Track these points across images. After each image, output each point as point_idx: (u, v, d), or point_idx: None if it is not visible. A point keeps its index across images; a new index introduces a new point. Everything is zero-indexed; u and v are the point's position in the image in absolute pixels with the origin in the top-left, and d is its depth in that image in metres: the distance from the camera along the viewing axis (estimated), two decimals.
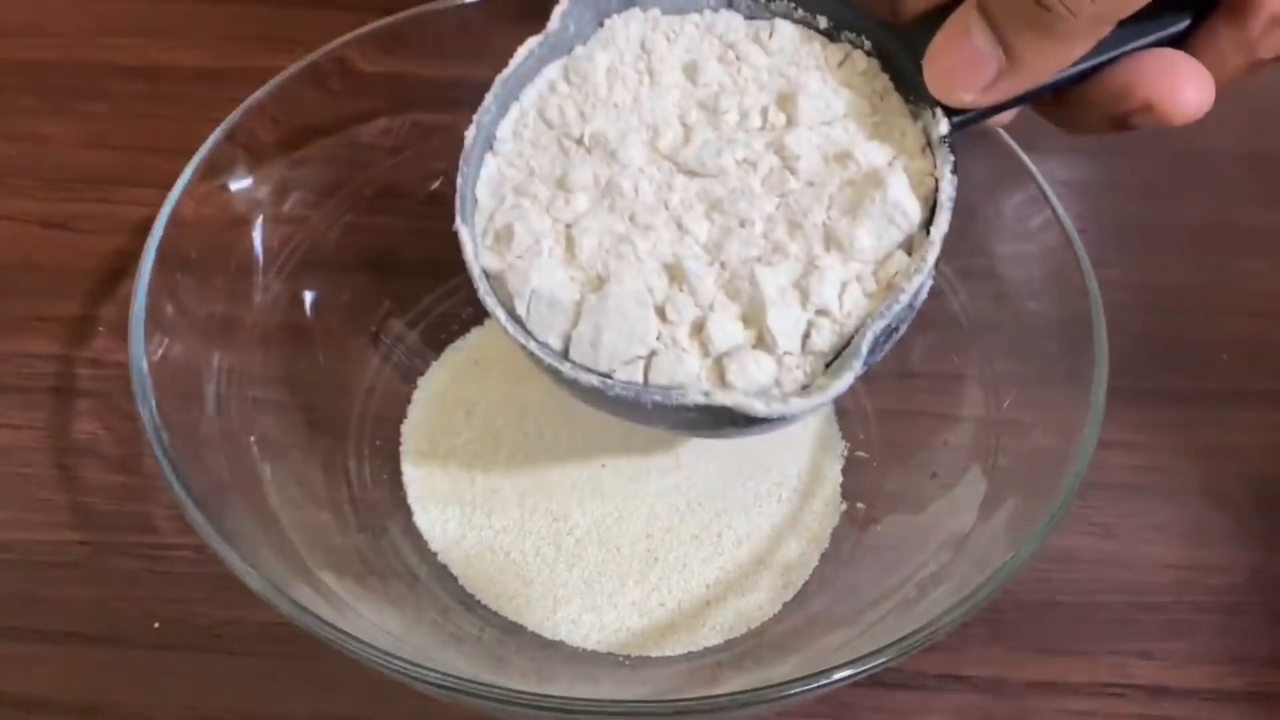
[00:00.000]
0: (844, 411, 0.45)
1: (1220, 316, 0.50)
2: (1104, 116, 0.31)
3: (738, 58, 0.34)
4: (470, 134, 0.33)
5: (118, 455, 0.44)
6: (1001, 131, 0.40)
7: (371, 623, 0.35)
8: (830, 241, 0.31)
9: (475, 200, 0.34)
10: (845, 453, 0.45)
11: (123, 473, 0.44)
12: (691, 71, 0.34)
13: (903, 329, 0.32)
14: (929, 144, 0.32)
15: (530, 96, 0.34)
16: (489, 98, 0.34)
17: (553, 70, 0.34)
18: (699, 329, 0.31)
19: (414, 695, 0.34)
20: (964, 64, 0.30)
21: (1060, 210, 0.39)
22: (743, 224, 0.32)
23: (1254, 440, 0.46)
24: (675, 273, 0.32)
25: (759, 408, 0.30)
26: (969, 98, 0.30)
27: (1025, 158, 0.40)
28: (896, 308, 0.30)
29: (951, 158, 0.31)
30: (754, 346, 0.31)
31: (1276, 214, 0.54)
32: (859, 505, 0.43)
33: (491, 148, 0.34)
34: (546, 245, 0.32)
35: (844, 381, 0.30)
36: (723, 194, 0.32)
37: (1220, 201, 0.54)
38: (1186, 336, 0.49)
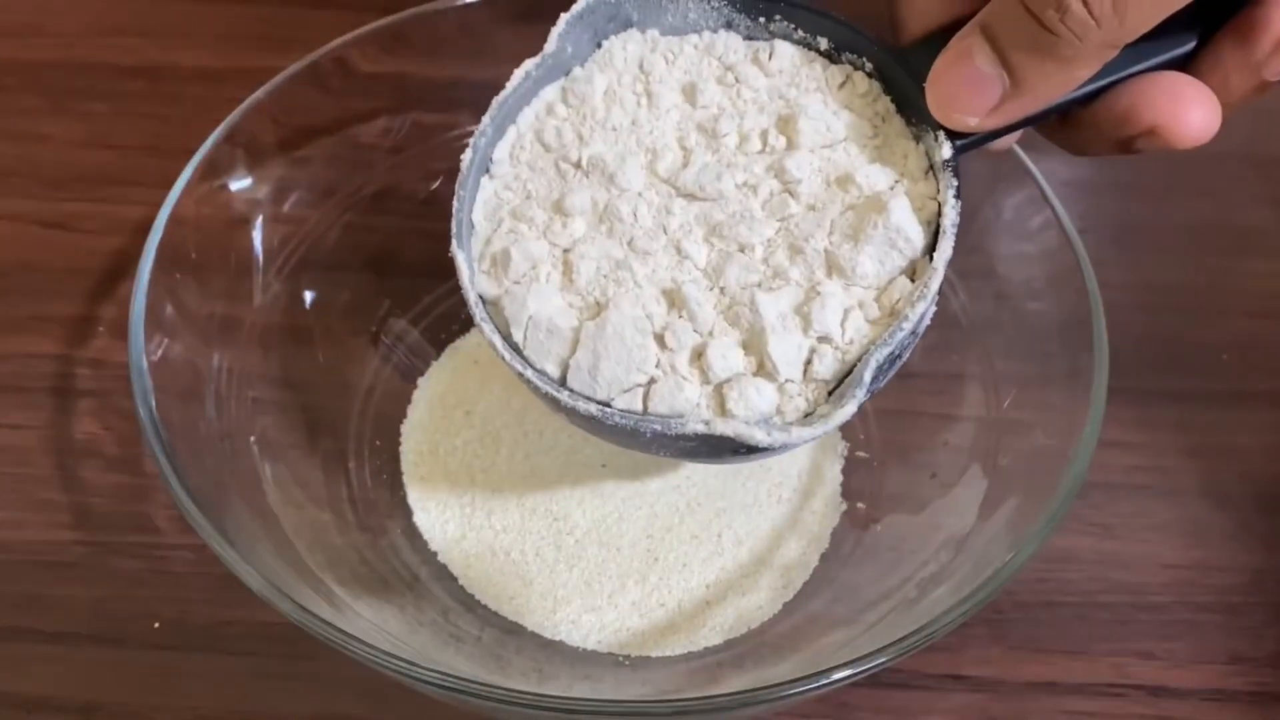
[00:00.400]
0: None
1: (1220, 316, 0.50)
2: (1109, 140, 0.31)
3: (737, 79, 0.33)
4: (466, 157, 0.33)
5: (118, 455, 0.44)
6: None
7: (371, 623, 0.35)
8: (832, 267, 0.31)
9: (472, 225, 0.33)
10: (845, 453, 0.45)
11: (123, 473, 0.44)
12: (690, 93, 0.33)
13: (906, 355, 0.31)
14: (932, 167, 0.32)
15: (527, 119, 0.34)
16: (485, 120, 0.33)
17: (550, 92, 0.34)
18: (699, 356, 0.31)
19: (414, 695, 0.34)
20: (967, 87, 0.29)
21: (1060, 210, 0.39)
22: (742, 249, 0.31)
23: (1254, 440, 0.46)
24: (674, 299, 0.31)
25: (760, 437, 0.29)
26: (973, 121, 0.30)
27: (1025, 157, 0.40)
28: (900, 335, 0.30)
29: (955, 182, 0.31)
30: (755, 374, 0.31)
31: (1276, 214, 0.54)
32: (859, 505, 0.43)
33: (488, 171, 0.34)
34: (544, 271, 0.32)
35: (847, 410, 0.29)
36: (722, 218, 0.32)
37: (1220, 201, 0.54)
38: (1186, 336, 0.49)
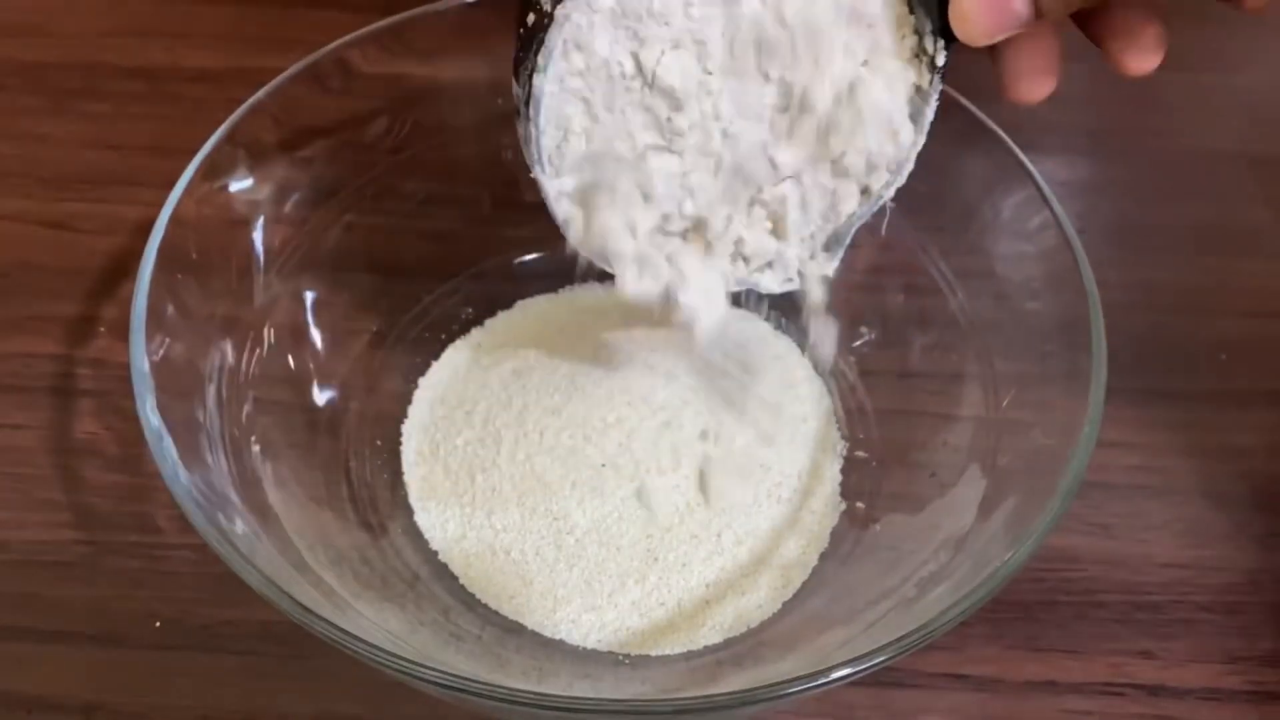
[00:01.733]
0: (844, 411, 0.45)
1: (1220, 316, 0.50)
2: None
3: None
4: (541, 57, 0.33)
5: (118, 455, 0.44)
6: (1001, 132, 0.41)
7: (372, 622, 0.35)
8: (837, 172, 0.37)
9: (539, 129, 0.35)
10: (845, 453, 0.45)
11: (123, 473, 0.44)
12: None
13: None
14: (920, 53, 0.35)
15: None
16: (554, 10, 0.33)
17: None
18: (738, 243, 0.39)
19: (414, 695, 0.34)
20: (998, 12, 0.33)
21: (1059, 210, 0.39)
22: (774, 166, 0.37)
23: (1253, 440, 0.46)
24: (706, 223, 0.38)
25: (772, 286, 0.39)
26: (988, 39, 0.33)
27: (1025, 158, 0.40)
28: (873, 207, 0.38)
29: (940, 86, 0.35)
30: (772, 233, 0.39)
31: (1276, 214, 0.54)
32: (859, 505, 0.43)
33: (544, 70, 0.34)
34: (623, 191, 0.36)
35: (832, 264, 0.39)
36: (755, 140, 0.36)
37: (1220, 201, 0.54)
38: (1186, 336, 0.49)
